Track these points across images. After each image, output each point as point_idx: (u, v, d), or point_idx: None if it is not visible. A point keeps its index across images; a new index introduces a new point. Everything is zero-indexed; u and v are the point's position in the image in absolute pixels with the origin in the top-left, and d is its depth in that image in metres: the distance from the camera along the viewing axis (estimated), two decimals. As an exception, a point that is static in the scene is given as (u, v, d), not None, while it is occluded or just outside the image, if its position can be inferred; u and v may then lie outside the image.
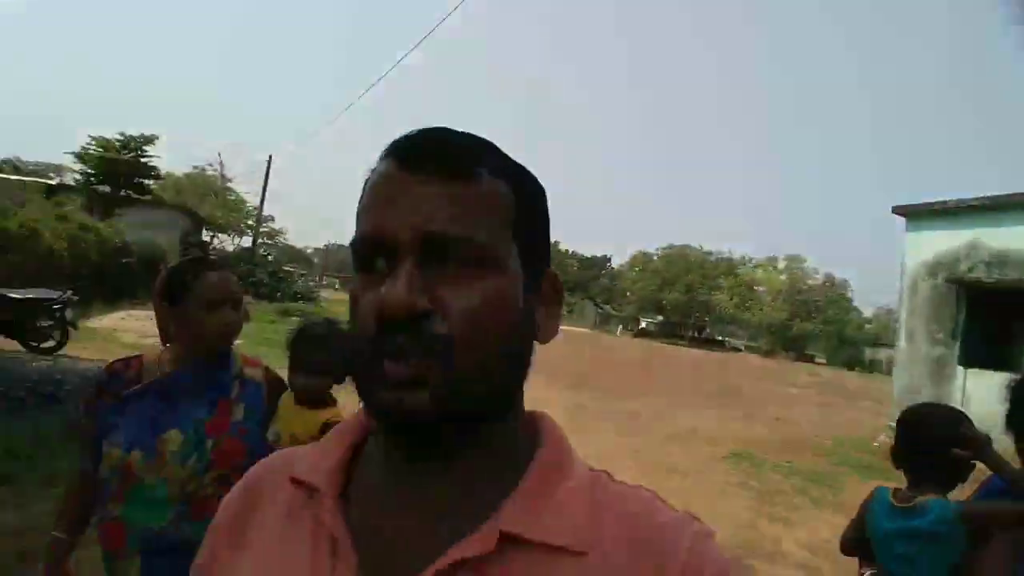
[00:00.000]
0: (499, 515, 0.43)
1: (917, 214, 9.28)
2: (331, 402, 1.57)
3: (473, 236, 0.42)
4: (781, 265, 53.22)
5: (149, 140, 17.26)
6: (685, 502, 4.39)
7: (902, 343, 9.20)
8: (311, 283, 31.80)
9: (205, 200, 30.35)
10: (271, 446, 1.38)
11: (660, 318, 61.43)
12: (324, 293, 30.67)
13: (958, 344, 8.28)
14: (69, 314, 7.76)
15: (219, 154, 30.80)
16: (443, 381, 0.41)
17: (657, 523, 0.46)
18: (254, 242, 28.00)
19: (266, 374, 1.52)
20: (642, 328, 60.80)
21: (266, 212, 30.04)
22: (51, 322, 7.58)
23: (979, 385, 7.89)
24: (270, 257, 28.34)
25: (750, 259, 57.54)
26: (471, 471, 0.46)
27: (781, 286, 50.35)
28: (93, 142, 16.84)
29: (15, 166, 33.02)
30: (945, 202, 8.88)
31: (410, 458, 0.46)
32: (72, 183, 17.09)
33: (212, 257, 1.41)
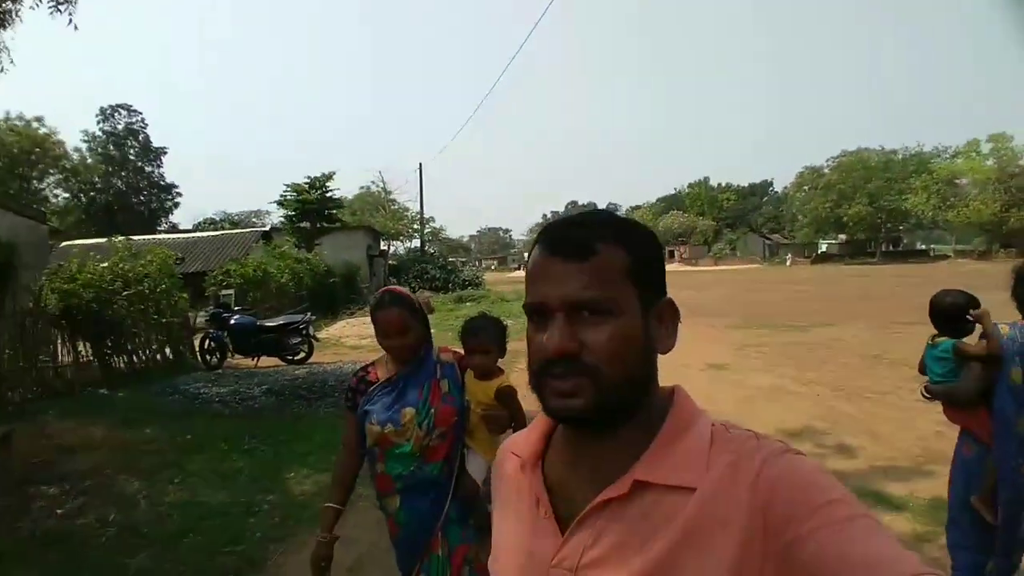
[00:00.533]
0: (634, 469, 0.61)
1: None
2: (499, 372, 1.98)
3: (597, 296, 0.61)
4: (985, 149, 44.46)
5: (329, 177, 20.41)
6: (869, 425, 4.66)
7: None
8: (472, 268, 34.57)
9: (375, 215, 34.37)
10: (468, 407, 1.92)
11: (842, 237, 55.23)
12: (486, 276, 33.21)
13: None
14: (311, 331, 9.98)
15: (380, 172, 34.38)
16: (593, 393, 0.60)
17: (746, 450, 0.60)
18: (422, 243, 31.10)
19: (455, 356, 1.99)
20: (821, 252, 55.33)
21: (427, 213, 33.27)
22: (299, 339, 9.80)
23: None
24: (435, 253, 31.15)
25: (944, 149, 49.14)
26: (618, 443, 0.64)
27: (989, 174, 42.28)
28: (288, 188, 20.38)
29: (232, 221, 40.28)
30: None
31: (578, 438, 0.68)
32: (279, 225, 20.84)
33: (389, 292, 1.87)
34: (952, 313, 2.44)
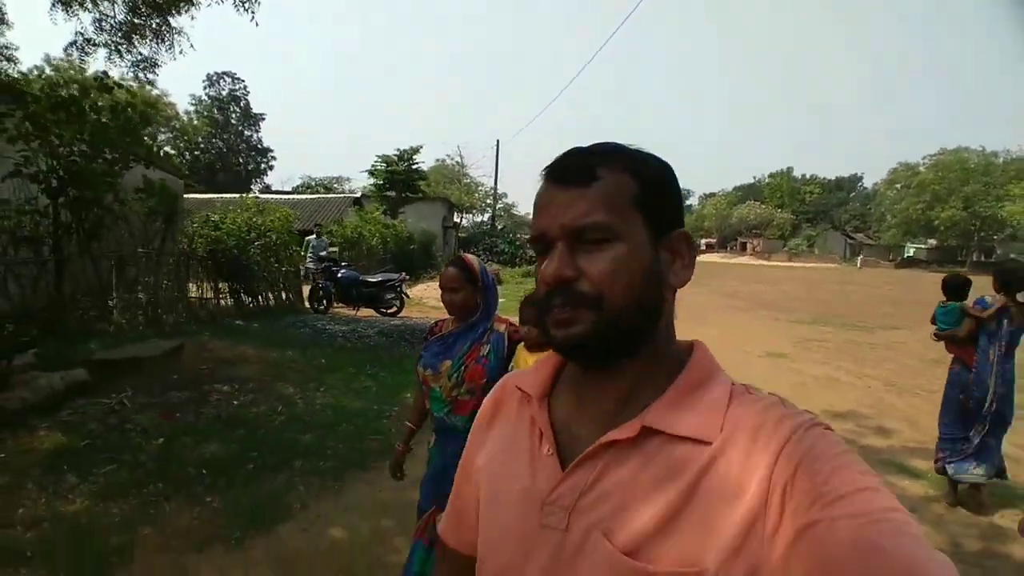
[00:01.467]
0: (644, 414, 0.60)
1: None
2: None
3: (598, 221, 0.59)
4: None
5: (416, 151, 21.76)
6: (910, 415, 5.30)
7: None
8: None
9: (449, 187, 35.70)
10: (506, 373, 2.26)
11: (931, 242, 52.01)
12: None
13: None
14: (404, 289, 11.21)
15: (458, 147, 35.73)
16: (593, 319, 0.59)
17: (772, 418, 0.57)
18: (492, 218, 32.19)
19: (508, 327, 2.12)
20: (908, 256, 52.42)
21: (500, 190, 34.36)
22: (393, 295, 11.06)
23: None
24: (505, 227, 32.10)
25: None
26: (627, 384, 0.63)
27: None
28: (379, 159, 21.86)
29: (326, 187, 42.81)
30: None
31: (584, 370, 0.66)
32: (367, 192, 22.40)
33: (457, 253, 2.04)
34: (958, 287, 4.06)
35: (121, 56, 7.10)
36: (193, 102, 44.68)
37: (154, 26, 6.83)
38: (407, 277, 11.78)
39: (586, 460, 0.61)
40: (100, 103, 6.34)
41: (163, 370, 5.58)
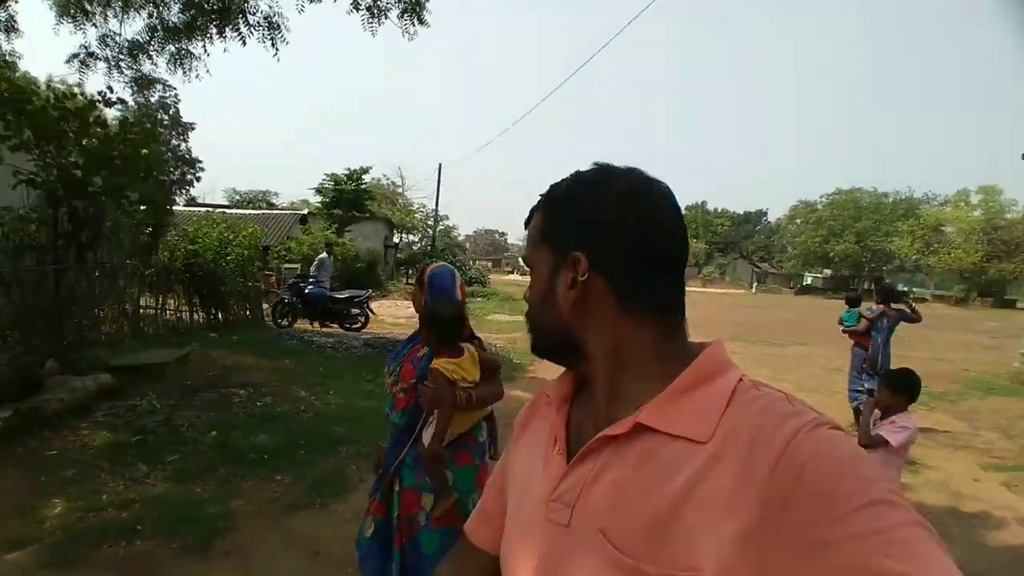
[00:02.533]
0: (639, 413, 0.60)
1: (1059, 155, 9.78)
2: (459, 352, 2.15)
3: (526, 256, 0.73)
4: (974, 200, 45.20)
5: (365, 171, 22.17)
6: (820, 409, 6.90)
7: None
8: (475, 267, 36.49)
9: (387, 207, 35.93)
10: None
11: (827, 272, 57.41)
12: (491, 276, 35.00)
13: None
14: (369, 305, 11.67)
15: (399, 167, 36.20)
16: (528, 328, 0.74)
17: (774, 416, 0.54)
18: (433, 239, 32.75)
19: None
20: (805, 284, 57.53)
21: (441, 212, 34.99)
22: (359, 311, 11.48)
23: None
24: (444, 250, 32.76)
25: (934, 196, 50.67)
26: (605, 382, 0.66)
27: (974, 224, 43.44)
28: (327, 177, 22.05)
29: (251, 201, 41.68)
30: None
31: (595, 382, 0.69)
32: (314, 211, 22.49)
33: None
34: (856, 300, 6.86)
35: (121, 72, 7.34)
36: (120, 108, 42.23)
37: (171, 50, 7.14)
38: (372, 293, 12.25)
39: (585, 456, 0.63)
40: (102, 117, 6.61)
41: (176, 375, 5.94)
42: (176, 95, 44.36)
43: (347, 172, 21.82)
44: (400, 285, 25.05)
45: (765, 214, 78.33)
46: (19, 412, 4.29)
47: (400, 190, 39.31)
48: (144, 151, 6.79)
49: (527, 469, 0.74)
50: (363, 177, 22.08)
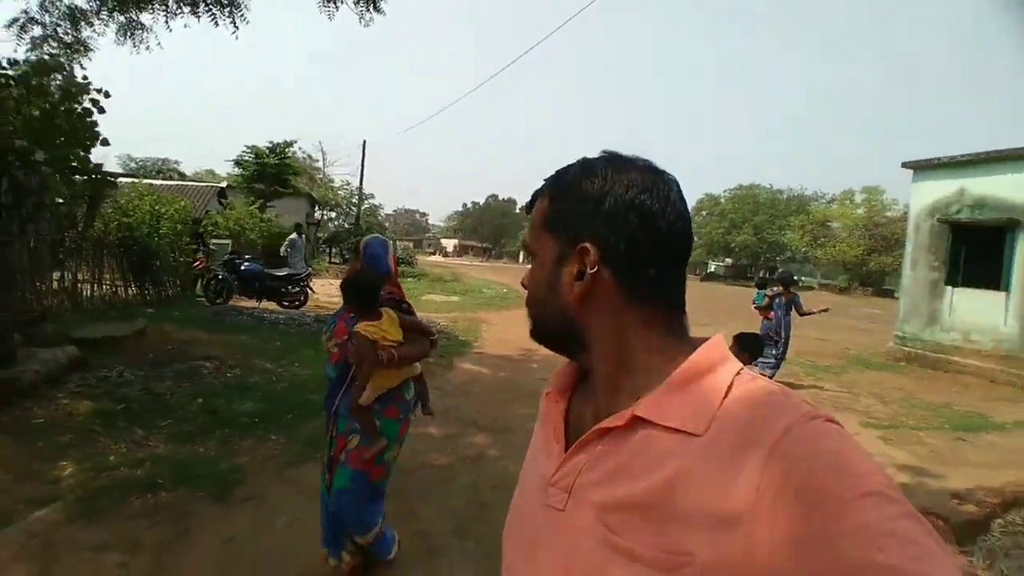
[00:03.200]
0: (637, 404, 0.61)
1: (920, 168, 11.56)
2: (376, 316, 2.49)
3: (528, 245, 0.72)
4: (858, 199, 50.49)
5: (290, 144, 21.47)
6: None
7: (907, 270, 11.67)
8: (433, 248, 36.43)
9: (308, 183, 34.82)
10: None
11: (728, 261, 61.80)
12: (419, 256, 35.04)
13: (946, 269, 10.78)
14: (309, 284, 11.70)
15: (319, 142, 35.07)
16: (529, 318, 0.73)
17: (769, 409, 0.55)
18: (357, 218, 32.20)
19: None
20: (710, 272, 61.78)
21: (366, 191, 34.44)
22: (298, 289, 11.50)
23: (961, 298, 10.46)
24: (369, 229, 32.37)
25: (824, 194, 55.72)
26: (605, 374, 0.67)
27: (858, 220, 47.86)
28: (248, 149, 21.16)
29: (180, 172, 38.78)
30: (940, 158, 11.16)
31: (593, 373, 0.70)
32: (233, 184, 21.53)
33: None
34: (764, 284, 8.59)
35: (58, 38, 6.95)
36: (7, 64, 37.57)
37: (122, 20, 6.84)
38: (312, 271, 12.27)
39: (585, 444, 0.64)
40: (47, 86, 6.39)
41: (134, 348, 5.99)
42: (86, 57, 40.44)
43: (270, 145, 21.09)
44: (324, 263, 24.56)
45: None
46: (-3, 382, 4.33)
47: (319, 165, 38.20)
48: (89, 119, 6.62)
49: (530, 459, 0.76)
50: (287, 151, 21.40)
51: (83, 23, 7.00)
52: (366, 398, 2.40)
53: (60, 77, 6.32)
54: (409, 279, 22.24)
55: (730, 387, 0.59)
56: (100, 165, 6.71)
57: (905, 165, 11.82)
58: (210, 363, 5.97)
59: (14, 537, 2.86)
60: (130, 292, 9.12)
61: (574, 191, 0.67)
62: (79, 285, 7.75)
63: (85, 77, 6.45)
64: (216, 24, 6.72)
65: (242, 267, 11.03)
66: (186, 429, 4.30)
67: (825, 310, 8.24)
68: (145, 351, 5.99)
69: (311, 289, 11.74)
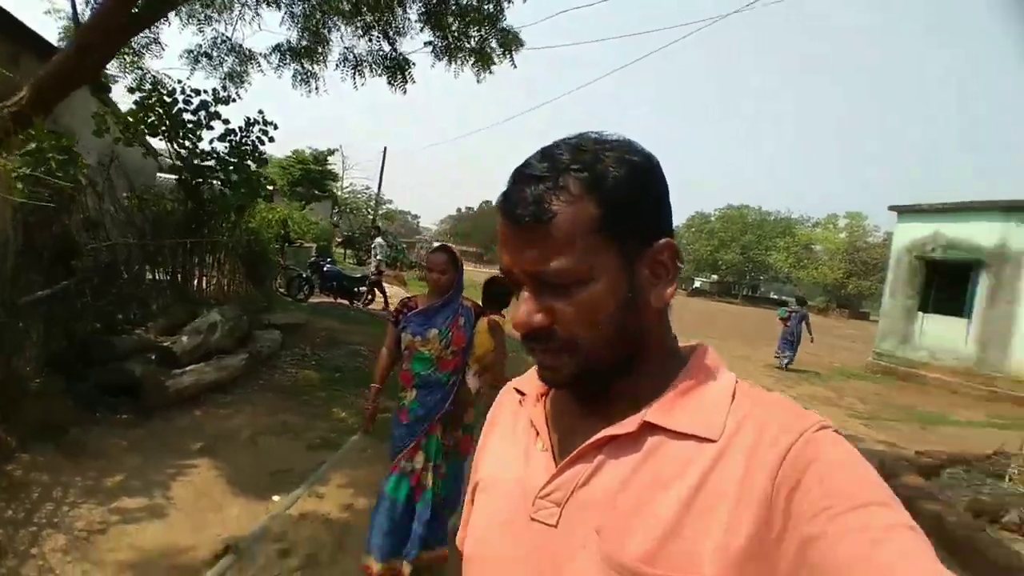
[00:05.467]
0: (645, 411, 0.58)
1: (903, 211, 13.70)
2: (500, 313, 3.14)
3: (559, 267, 0.55)
4: (841, 223, 53.57)
5: (332, 152, 23.25)
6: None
7: (887, 297, 13.80)
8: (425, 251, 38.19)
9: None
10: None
11: (715, 278, 64.02)
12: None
13: (919, 298, 12.90)
14: (383, 284, 13.40)
15: (340, 146, 36.20)
16: (573, 365, 0.59)
17: (778, 417, 0.55)
18: (373, 220, 33.82)
19: (473, 305, 2.78)
20: (696, 287, 63.98)
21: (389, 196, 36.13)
22: (366, 289, 13.18)
23: (930, 323, 12.59)
24: (386, 233, 33.96)
25: (809, 218, 58.08)
26: (629, 387, 0.61)
27: (840, 245, 50.51)
28: (292, 155, 22.81)
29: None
30: (921, 204, 13.31)
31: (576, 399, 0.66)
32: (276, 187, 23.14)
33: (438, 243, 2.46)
34: (783, 304, 10.65)
35: (215, 69, 8.55)
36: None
37: (297, 68, 8.47)
38: (383, 273, 14.01)
39: (583, 455, 0.59)
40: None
41: (305, 334, 7.73)
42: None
43: (313, 152, 22.77)
44: (345, 263, 26.18)
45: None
46: (251, 355, 6.05)
47: (335, 169, 39.74)
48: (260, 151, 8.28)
49: (500, 466, 0.70)
50: (329, 159, 23.17)
51: (251, 64, 8.66)
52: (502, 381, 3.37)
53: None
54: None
55: (734, 394, 0.59)
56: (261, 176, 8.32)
57: (892, 208, 13.98)
58: (363, 348, 7.73)
59: (350, 455, 4.57)
60: (248, 289, 10.79)
61: (625, 181, 0.56)
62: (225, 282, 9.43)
63: (260, 111, 8.02)
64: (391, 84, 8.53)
65: (324, 268, 12.74)
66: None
67: (811, 340, 12.37)
68: (313, 336, 7.73)
69: (383, 292, 13.43)
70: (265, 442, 4.36)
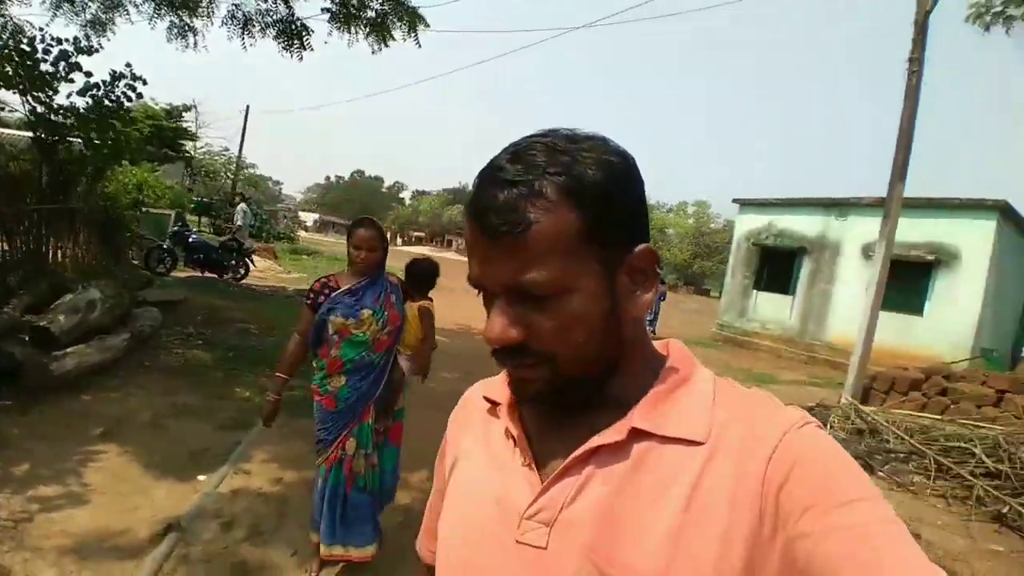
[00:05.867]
0: (632, 416, 0.56)
1: (744, 204, 15.77)
2: (428, 300, 3.10)
3: (536, 278, 0.51)
4: (690, 211, 58.78)
5: (188, 108, 20.85)
6: None
7: (729, 277, 15.91)
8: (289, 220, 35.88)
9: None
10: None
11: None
12: (301, 232, 34.74)
13: (755, 278, 15.05)
14: (252, 258, 12.63)
15: (194, 100, 32.43)
16: (549, 377, 0.56)
17: (762, 415, 0.55)
18: (233, 186, 31.12)
19: (398, 279, 2.70)
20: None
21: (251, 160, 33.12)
22: (237, 262, 12.33)
23: (763, 299, 14.75)
24: (250, 200, 31.57)
25: (664, 204, 62.77)
26: (608, 393, 0.59)
27: (688, 230, 55.67)
28: (140, 108, 20.16)
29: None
30: (758, 199, 15.42)
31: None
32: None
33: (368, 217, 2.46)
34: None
35: (76, 15, 7.41)
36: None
37: (173, 20, 7.47)
38: (256, 245, 13.17)
39: (569, 469, 0.56)
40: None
41: (184, 312, 7.27)
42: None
43: (167, 108, 20.31)
44: (202, 232, 23.87)
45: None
46: (133, 334, 5.64)
47: (190, 127, 35.74)
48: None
49: (474, 479, 0.65)
50: (184, 115, 20.83)
51: (119, 11, 7.69)
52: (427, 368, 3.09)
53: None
54: (303, 256, 22.89)
55: (715, 391, 0.58)
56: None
57: (735, 200, 15.97)
58: (251, 327, 7.44)
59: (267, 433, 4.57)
60: (104, 262, 9.71)
61: (606, 185, 0.53)
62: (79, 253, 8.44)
63: (128, 64, 7.25)
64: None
65: (189, 239, 11.74)
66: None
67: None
68: (193, 315, 7.28)
69: (253, 263, 12.68)
70: (170, 424, 4.22)
